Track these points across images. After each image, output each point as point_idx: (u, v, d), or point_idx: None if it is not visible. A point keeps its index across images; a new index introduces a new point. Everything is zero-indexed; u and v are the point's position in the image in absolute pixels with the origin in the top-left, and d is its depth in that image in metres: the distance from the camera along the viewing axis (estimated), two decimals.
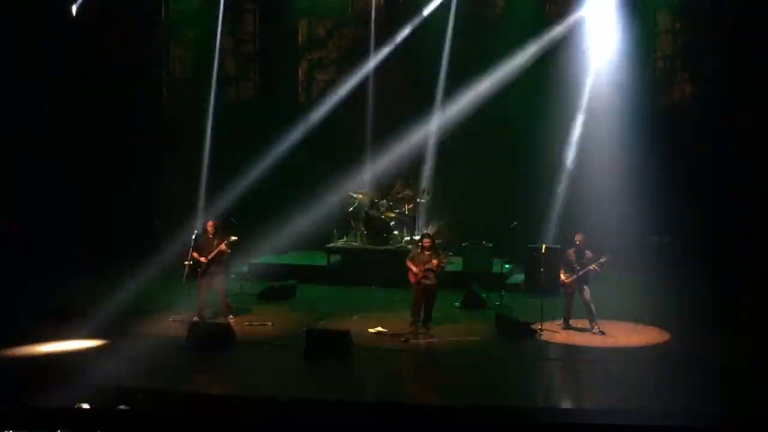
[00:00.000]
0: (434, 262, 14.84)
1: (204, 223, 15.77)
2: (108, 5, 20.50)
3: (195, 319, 15.08)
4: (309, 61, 23.06)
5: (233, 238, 15.45)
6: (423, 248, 15.01)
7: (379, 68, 21.94)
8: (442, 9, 21.46)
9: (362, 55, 22.37)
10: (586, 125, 20.96)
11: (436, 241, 15.60)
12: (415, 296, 15.03)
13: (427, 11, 21.46)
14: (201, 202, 20.85)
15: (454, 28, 21.20)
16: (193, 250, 15.35)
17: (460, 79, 21.05)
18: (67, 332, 14.82)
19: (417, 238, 18.45)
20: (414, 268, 14.92)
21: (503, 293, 17.38)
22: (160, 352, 13.91)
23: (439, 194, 20.45)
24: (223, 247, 15.24)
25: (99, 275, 18.91)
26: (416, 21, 21.73)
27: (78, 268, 18.99)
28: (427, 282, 14.91)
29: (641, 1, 20.17)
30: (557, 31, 20.75)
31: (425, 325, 15.10)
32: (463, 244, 19.04)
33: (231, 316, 15.37)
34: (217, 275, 15.38)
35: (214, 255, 15.28)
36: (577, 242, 15.08)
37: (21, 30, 18.78)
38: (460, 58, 21.23)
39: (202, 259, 15.26)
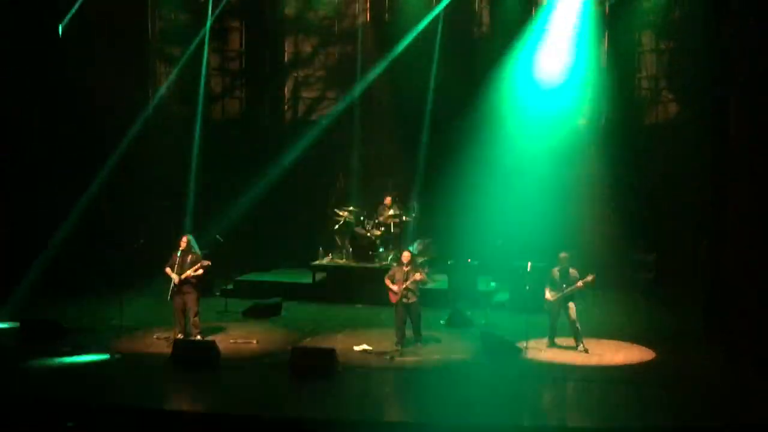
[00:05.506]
0: (416, 276, 14.83)
1: (179, 238, 15.47)
2: (95, 23, 20.47)
3: (179, 336, 15.00)
4: (295, 79, 23.09)
5: (206, 263, 15.37)
6: (402, 264, 15.00)
7: (366, 87, 22.03)
8: (429, 27, 21.57)
9: (348, 73, 22.46)
10: (572, 143, 21.05)
11: (422, 258, 15.52)
12: (396, 316, 15.04)
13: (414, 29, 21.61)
14: (188, 220, 20.72)
15: (441, 46, 21.27)
16: (167, 266, 15.28)
17: (447, 97, 21.12)
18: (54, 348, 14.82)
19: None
20: (393, 287, 14.94)
21: (488, 311, 17.37)
22: (145, 369, 13.89)
23: (425, 212, 20.44)
24: (190, 273, 15.13)
25: (87, 293, 18.92)
26: (403, 39, 21.85)
27: (67, 285, 19.00)
28: (407, 301, 14.92)
29: (625, 21, 20.28)
30: (544, 48, 20.86)
31: (416, 342, 15.11)
32: (449, 262, 19.03)
33: (199, 336, 15.25)
34: (189, 294, 15.25)
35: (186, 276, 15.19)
36: (562, 260, 15.10)
37: (6, 48, 18.74)
38: (447, 77, 21.28)
39: (174, 277, 15.13)
